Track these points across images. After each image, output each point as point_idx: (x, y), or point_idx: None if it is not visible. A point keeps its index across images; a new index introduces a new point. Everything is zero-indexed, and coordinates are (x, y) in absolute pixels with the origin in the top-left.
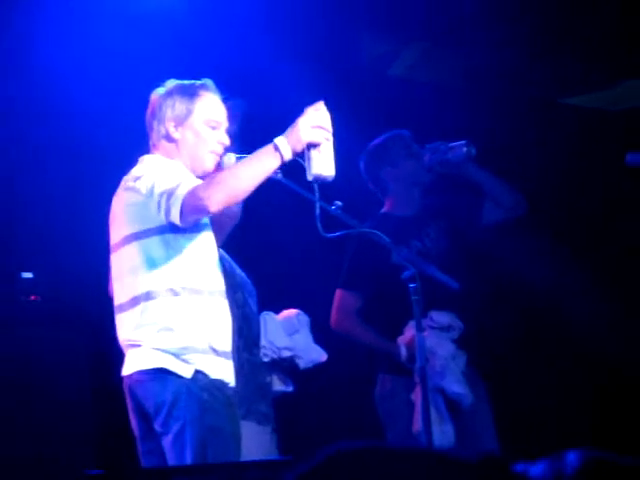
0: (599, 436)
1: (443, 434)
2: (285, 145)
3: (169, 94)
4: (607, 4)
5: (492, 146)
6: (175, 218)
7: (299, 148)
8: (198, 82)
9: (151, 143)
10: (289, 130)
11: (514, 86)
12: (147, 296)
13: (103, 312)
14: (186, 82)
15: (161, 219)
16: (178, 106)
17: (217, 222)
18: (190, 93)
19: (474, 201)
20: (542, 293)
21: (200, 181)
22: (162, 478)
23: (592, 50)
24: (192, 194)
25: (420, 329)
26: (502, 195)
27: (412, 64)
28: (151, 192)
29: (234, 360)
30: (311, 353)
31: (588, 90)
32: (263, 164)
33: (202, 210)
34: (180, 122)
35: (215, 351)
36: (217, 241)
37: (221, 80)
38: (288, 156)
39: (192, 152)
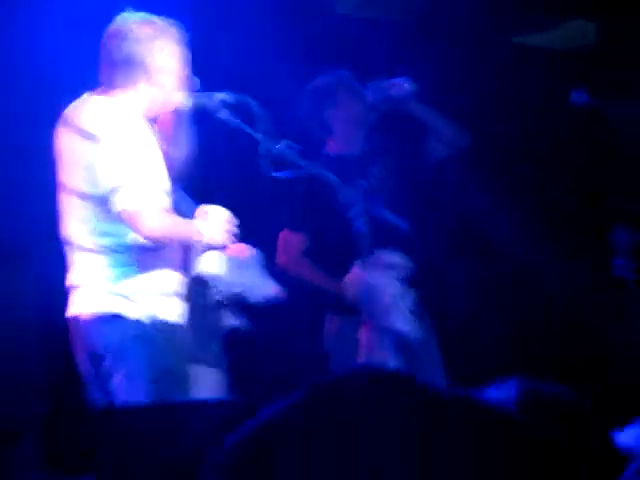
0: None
1: None
2: (206, 234)
3: (159, 32)
4: None
5: (438, 85)
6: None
7: (212, 243)
8: (168, 20)
9: (117, 78)
10: (206, 222)
11: (460, 22)
12: (109, 248)
13: (50, 251)
14: (158, 18)
15: None
16: (167, 50)
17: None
18: (172, 36)
19: (417, 138)
20: (489, 230)
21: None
22: (113, 417)
23: None
24: (137, 215)
25: (366, 269)
26: (444, 130)
27: (359, 2)
28: (110, 170)
29: (186, 303)
30: (262, 288)
31: (533, 29)
32: (191, 237)
33: (136, 230)
34: (165, 68)
35: (166, 292)
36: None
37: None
38: (205, 242)
39: (162, 99)
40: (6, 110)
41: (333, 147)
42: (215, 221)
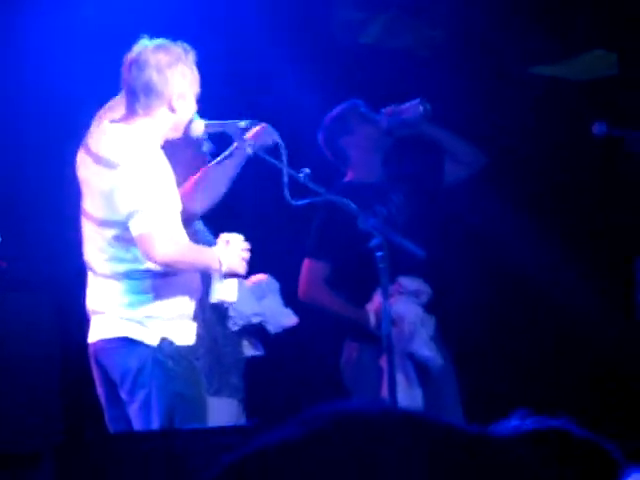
0: (560, 405)
1: (412, 398)
2: (224, 262)
3: (176, 59)
4: None
5: (460, 114)
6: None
7: (229, 270)
8: (184, 45)
9: (137, 106)
10: (226, 250)
11: (481, 55)
12: (124, 275)
13: (70, 277)
14: (175, 44)
15: None
16: (187, 77)
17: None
18: (190, 61)
19: (435, 162)
20: (510, 257)
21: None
22: (131, 443)
23: (556, 20)
24: (152, 240)
25: (386, 297)
26: (461, 150)
27: (382, 32)
28: (127, 196)
29: (206, 335)
30: (280, 317)
31: (556, 60)
32: (207, 264)
33: (148, 257)
34: (184, 95)
35: (181, 316)
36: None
37: (193, 43)
38: (223, 270)
39: (181, 124)
40: (29, 143)
41: (351, 175)
42: (235, 249)
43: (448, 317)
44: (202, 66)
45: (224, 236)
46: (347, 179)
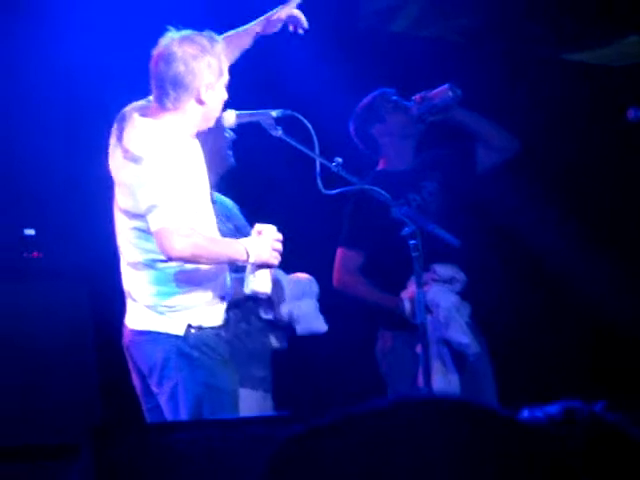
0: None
1: (449, 383)
2: (253, 253)
3: (202, 51)
4: None
5: (492, 102)
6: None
7: (259, 262)
8: (210, 35)
9: (166, 101)
10: (256, 241)
11: (516, 42)
12: (148, 264)
13: (105, 266)
14: (201, 35)
15: None
16: (214, 67)
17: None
18: (217, 51)
19: (467, 148)
20: (542, 245)
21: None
22: (162, 433)
23: (590, 6)
24: (168, 236)
25: (420, 285)
26: (493, 136)
27: (412, 21)
28: (148, 190)
29: (230, 331)
30: (312, 322)
31: (591, 46)
32: (231, 257)
33: (164, 253)
34: (212, 85)
35: (207, 303)
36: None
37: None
38: (251, 261)
39: (211, 115)
40: (60, 134)
41: (383, 164)
42: (265, 240)
43: (480, 305)
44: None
45: (257, 227)
46: (379, 168)
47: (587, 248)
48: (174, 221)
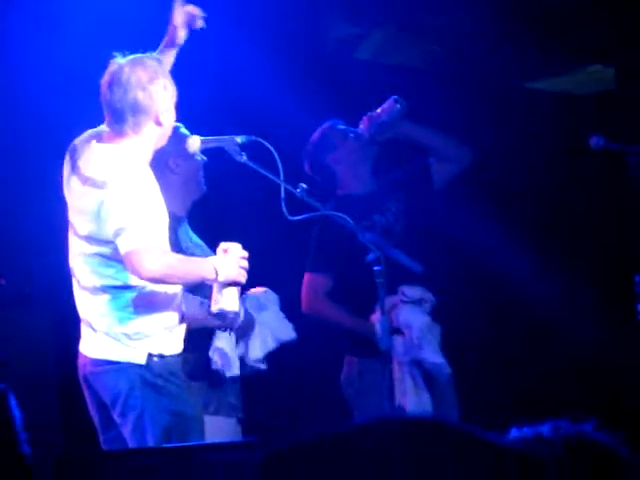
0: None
1: (421, 403)
2: (221, 271)
3: (155, 73)
4: None
5: (457, 129)
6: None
7: (228, 280)
8: (154, 56)
9: (125, 127)
10: (223, 259)
11: (480, 70)
12: (105, 290)
13: (69, 291)
14: (149, 58)
15: None
16: (168, 89)
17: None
18: (166, 72)
19: (423, 165)
20: (507, 265)
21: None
22: (127, 460)
23: (554, 35)
24: (139, 256)
25: (384, 312)
26: (444, 146)
27: (377, 48)
28: (114, 214)
29: (206, 355)
30: (279, 331)
31: (553, 74)
32: (201, 276)
33: (136, 274)
34: (169, 107)
35: (166, 329)
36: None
37: (184, 63)
38: (221, 279)
39: (166, 134)
40: (22, 159)
41: (344, 189)
42: (232, 258)
43: (448, 324)
44: (197, 84)
45: (222, 245)
46: (341, 193)
47: (552, 267)
48: (144, 242)
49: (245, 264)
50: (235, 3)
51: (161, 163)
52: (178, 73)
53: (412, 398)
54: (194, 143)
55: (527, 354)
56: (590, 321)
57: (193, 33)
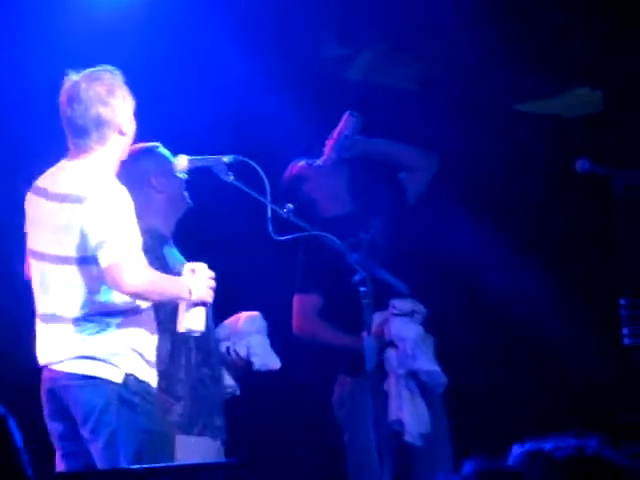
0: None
1: (418, 416)
2: (194, 291)
3: (113, 85)
4: (558, 12)
5: (448, 151)
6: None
7: (199, 299)
8: (107, 68)
9: (89, 142)
10: (193, 279)
11: (470, 92)
12: (83, 313)
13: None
14: (104, 71)
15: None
16: (127, 99)
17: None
18: (122, 82)
19: (396, 181)
20: (495, 279)
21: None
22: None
23: (542, 58)
24: (120, 269)
25: (369, 332)
26: (409, 156)
27: (367, 69)
28: (95, 228)
29: (189, 378)
30: (266, 358)
31: (542, 97)
32: (176, 294)
33: (117, 287)
34: (130, 116)
35: (142, 357)
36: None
37: (172, 83)
38: (193, 299)
39: (129, 143)
40: None
41: (325, 213)
42: (201, 278)
43: (438, 336)
44: (186, 102)
45: (189, 265)
46: (323, 216)
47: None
48: (126, 255)
49: (213, 284)
50: (225, 25)
51: (142, 181)
52: (168, 93)
53: (410, 409)
54: (182, 162)
55: (518, 368)
56: (578, 340)
57: (181, 53)
